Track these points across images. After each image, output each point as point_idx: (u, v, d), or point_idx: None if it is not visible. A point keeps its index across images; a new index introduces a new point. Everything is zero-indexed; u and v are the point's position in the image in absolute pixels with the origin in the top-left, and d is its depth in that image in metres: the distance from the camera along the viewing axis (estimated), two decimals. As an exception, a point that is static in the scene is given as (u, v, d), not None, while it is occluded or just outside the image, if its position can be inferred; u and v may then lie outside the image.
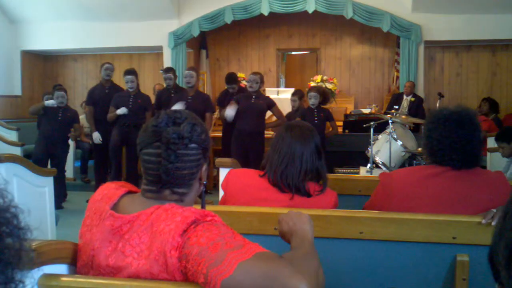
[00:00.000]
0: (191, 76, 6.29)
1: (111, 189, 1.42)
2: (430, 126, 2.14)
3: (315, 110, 6.35)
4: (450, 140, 2.04)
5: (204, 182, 1.45)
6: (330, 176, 2.72)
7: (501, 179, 2.10)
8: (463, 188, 2.03)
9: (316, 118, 6.25)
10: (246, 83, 6.40)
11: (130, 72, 6.40)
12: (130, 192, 1.43)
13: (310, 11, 8.63)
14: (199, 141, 1.37)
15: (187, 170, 1.36)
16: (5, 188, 0.71)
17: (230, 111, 6.09)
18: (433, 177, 2.05)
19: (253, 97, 6.21)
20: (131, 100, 6.35)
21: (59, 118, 6.42)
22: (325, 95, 6.61)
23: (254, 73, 6.37)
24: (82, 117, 8.03)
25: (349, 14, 8.52)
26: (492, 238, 0.94)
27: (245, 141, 6.13)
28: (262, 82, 6.33)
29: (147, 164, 1.37)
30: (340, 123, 8.15)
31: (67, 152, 6.68)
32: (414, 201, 2.03)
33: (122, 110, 6.27)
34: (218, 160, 3.40)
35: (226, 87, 7.39)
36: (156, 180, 1.35)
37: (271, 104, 6.31)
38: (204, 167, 1.43)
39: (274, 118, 8.58)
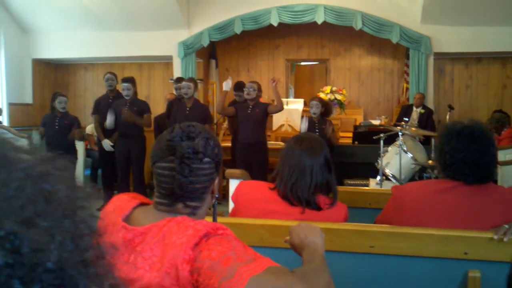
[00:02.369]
0: (189, 88, 6.33)
1: (123, 201, 1.42)
2: (442, 140, 2.13)
3: (316, 122, 6.25)
4: (463, 154, 2.03)
5: (216, 195, 1.46)
6: (340, 188, 2.71)
7: None
8: (475, 204, 2.01)
9: (317, 130, 6.13)
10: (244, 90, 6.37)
11: (127, 80, 6.51)
12: (142, 204, 1.43)
13: (319, 22, 8.65)
14: (213, 155, 1.38)
15: (200, 184, 1.36)
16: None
17: (226, 85, 6.25)
18: (445, 192, 2.04)
19: (250, 107, 6.20)
20: (127, 107, 6.43)
21: (56, 126, 6.40)
22: (327, 106, 6.50)
23: (252, 82, 6.41)
24: (90, 126, 8.09)
25: (358, 25, 8.53)
26: None
27: (247, 153, 6.11)
28: (259, 90, 6.34)
29: (160, 178, 1.37)
30: (350, 134, 8.14)
31: (73, 160, 6.57)
32: (425, 216, 2.02)
33: (109, 123, 6.52)
34: (228, 171, 3.40)
35: (234, 97, 7.42)
36: (169, 194, 1.36)
37: (266, 107, 6.27)
38: (217, 180, 1.44)
39: (283, 129, 8.61)
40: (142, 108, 6.59)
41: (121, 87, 6.50)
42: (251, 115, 6.14)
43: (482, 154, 2.03)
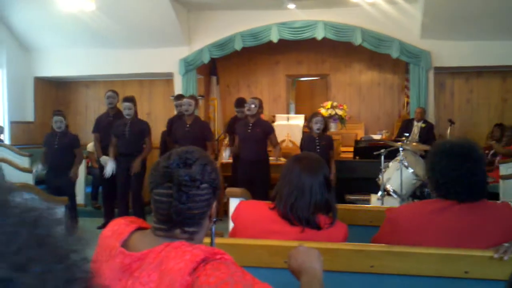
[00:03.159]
0: (189, 104, 6.36)
1: (121, 225, 1.42)
2: (433, 159, 2.13)
3: (317, 138, 6.21)
4: (454, 173, 2.02)
5: (214, 220, 1.45)
6: (341, 206, 2.70)
7: (508, 210, 2.08)
8: (470, 222, 2.01)
9: (318, 147, 6.11)
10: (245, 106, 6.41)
11: (128, 99, 6.53)
12: (140, 228, 1.43)
13: (319, 38, 8.70)
14: (210, 181, 1.38)
15: (198, 210, 1.36)
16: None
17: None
18: (439, 212, 2.04)
19: (250, 125, 6.20)
20: (127, 129, 6.43)
21: (56, 145, 6.39)
22: (326, 122, 6.53)
23: (253, 98, 6.44)
24: (91, 144, 8.10)
25: (358, 41, 8.58)
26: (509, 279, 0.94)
27: (249, 170, 6.12)
28: (261, 107, 6.37)
29: (158, 204, 1.37)
30: (351, 149, 8.15)
31: (72, 184, 6.55)
32: (421, 237, 2.01)
33: (108, 171, 6.62)
34: (228, 190, 3.39)
35: (235, 113, 7.43)
36: (167, 220, 1.36)
37: (268, 132, 6.30)
38: (214, 205, 1.43)
39: (285, 144, 8.61)
40: (143, 128, 6.60)
41: (122, 106, 6.51)
42: (252, 135, 6.16)
43: (474, 171, 2.03)
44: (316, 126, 6.20)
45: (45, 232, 0.57)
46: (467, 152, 2.06)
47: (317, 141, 6.19)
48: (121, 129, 6.47)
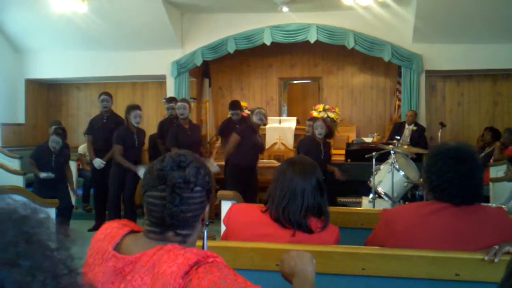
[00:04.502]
0: (184, 108, 6.33)
1: (113, 229, 1.42)
2: (430, 161, 2.15)
3: (322, 144, 6.15)
4: (449, 175, 2.03)
5: (207, 223, 1.46)
6: (332, 209, 2.71)
7: (502, 216, 2.09)
8: (464, 225, 2.01)
9: (323, 152, 6.08)
10: (248, 112, 6.45)
11: (139, 107, 6.47)
12: (132, 231, 1.43)
13: (312, 41, 8.72)
14: (204, 184, 1.39)
15: (191, 213, 1.36)
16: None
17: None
18: (433, 214, 2.04)
19: (259, 135, 6.30)
20: (136, 137, 6.37)
21: (53, 165, 6.25)
22: (330, 129, 6.33)
23: (260, 108, 6.48)
24: (83, 146, 8.07)
25: (350, 44, 8.61)
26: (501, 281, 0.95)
27: (245, 174, 6.14)
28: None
29: (151, 207, 1.37)
30: (342, 152, 8.17)
31: (66, 190, 6.44)
32: (416, 238, 2.02)
33: (140, 171, 6.18)
34: (220, 192, 3.39)
35: (229, 115, 7.43)
36: (160, 222, 1.36)
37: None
38: (207, 209, 1.44)
39: (276, 147, 8.63)
40: (144, 140, 6.61)
41: (133, 114, 6.28)
42: (260, 143, 6.25)
43: (469, 175, 2.04)
44: (317, 131, 6.12)
45: (31, 230, 0.59)
46: (463, 156, 2.07)
47: (322, 147, 6.14)
48: (130, 137, 6.32)
